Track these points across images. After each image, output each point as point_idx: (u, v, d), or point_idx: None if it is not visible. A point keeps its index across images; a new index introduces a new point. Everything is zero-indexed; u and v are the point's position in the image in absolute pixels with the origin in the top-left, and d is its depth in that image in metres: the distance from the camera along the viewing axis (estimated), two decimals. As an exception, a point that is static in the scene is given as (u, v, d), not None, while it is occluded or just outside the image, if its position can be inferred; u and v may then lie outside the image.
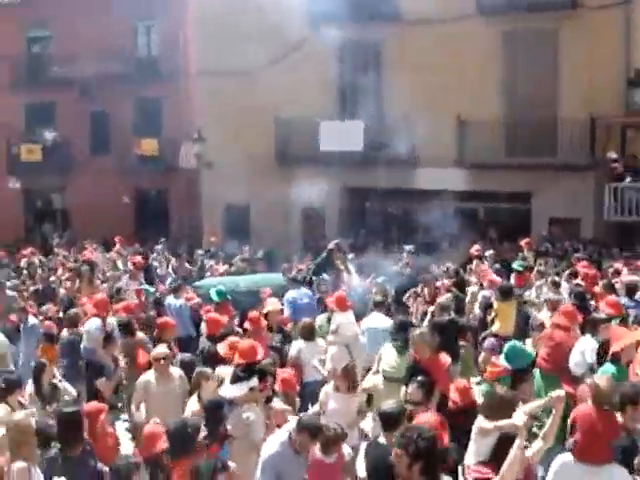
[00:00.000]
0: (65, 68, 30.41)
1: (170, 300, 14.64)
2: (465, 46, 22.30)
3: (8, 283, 17.34)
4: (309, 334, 10.77)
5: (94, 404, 7.60)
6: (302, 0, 23.89)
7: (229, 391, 7.93)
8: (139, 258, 18.53)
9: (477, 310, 13.73)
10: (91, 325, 11.66)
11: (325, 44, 24.14)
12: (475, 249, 17.13)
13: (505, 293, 12.57)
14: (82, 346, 11.55)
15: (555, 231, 21.48)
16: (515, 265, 15.36)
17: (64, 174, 31.09)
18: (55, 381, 9.08)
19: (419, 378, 7.66)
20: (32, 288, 16.80)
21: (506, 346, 8.57)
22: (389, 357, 9.51)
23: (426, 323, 12.19)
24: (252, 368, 8.05)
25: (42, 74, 31.32)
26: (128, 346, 10.96)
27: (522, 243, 18.11)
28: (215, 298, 12.53)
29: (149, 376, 9.13)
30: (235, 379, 8.02)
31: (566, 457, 6.26)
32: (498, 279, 13.94)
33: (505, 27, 22.31)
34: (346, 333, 10.61)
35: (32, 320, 13.08)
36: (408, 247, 18.27)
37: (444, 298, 12.85)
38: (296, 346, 10.80)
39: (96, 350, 11.15)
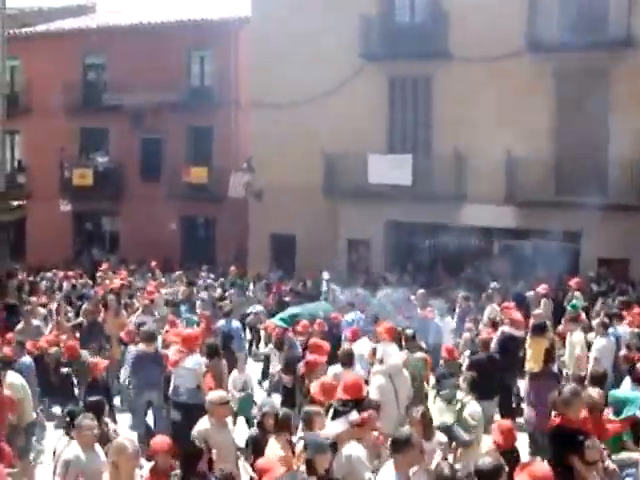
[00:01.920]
0: (119, 95, 31.01)
1: (222, 323, 14.94)
2: (515, 83, 22.25)
3: (42, 310, 17.08)
4: None
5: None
6: (353, 34, 24.12)
7: (330, 428, 7.60)
8: (155, 293, 18.46)
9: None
10: (192, 362, 10.85)
11: (376, 78, 24.40)
12: (542, 287, 17.10)
13: (537, 329, 12.61)
14: (181, 387, 10.83)
15: (603, 272, 21.20)
16: (574, 303, 15.39)
17: (114, 199, 31.67)
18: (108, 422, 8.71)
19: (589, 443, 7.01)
20: (76, 321, 16.17)
21: (610, 398, 8.45)
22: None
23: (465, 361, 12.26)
24: (352, 402, 7.75)
25: (96, 100, 31.99)
26: (215, 369, 11.07)
27: (571, 283, 17.98)
28: (281, 324, 13.39)
29: (205, 424, 8.35)
30: (335, 414, 7.70)
31: None
32: (519, 317, 13.95)
33: (556, 64, 22.18)
34: (391, 363, 10.49)
35: (26, 360, 11.66)
36: (493, 284, 18.50)
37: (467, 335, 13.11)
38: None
39: (199, 390, 10.44)
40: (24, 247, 33.08)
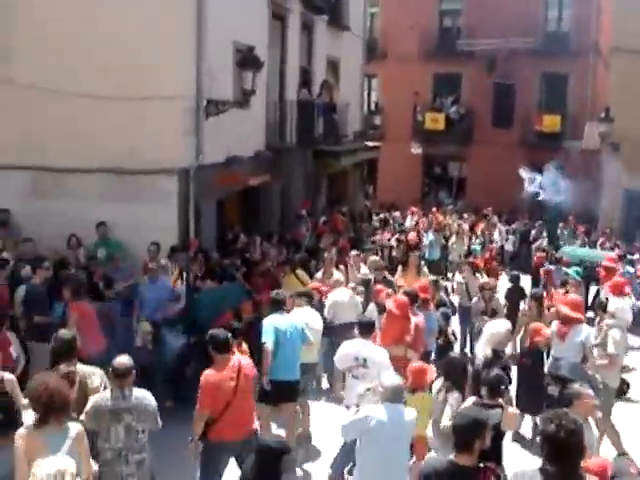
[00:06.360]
0: (473, 40, 31.29)
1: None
2: None
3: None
4: None
5: None
6: None
7: None
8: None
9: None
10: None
11: None
12: None
13: None
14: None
15: None
16: None
17: (464, 144, 32.24)
18: None
19: None
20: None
21: None
22: None
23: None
24: None
25: (450, 46, 32.53)
26: None
27: None
28: (576, 276, 14.18)
29: None
30: None
31: None
32: None
33: None
34: (625, 317, 10.36)
35: None
36: None
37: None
38: None
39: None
40: (375, 186, 34.92)
